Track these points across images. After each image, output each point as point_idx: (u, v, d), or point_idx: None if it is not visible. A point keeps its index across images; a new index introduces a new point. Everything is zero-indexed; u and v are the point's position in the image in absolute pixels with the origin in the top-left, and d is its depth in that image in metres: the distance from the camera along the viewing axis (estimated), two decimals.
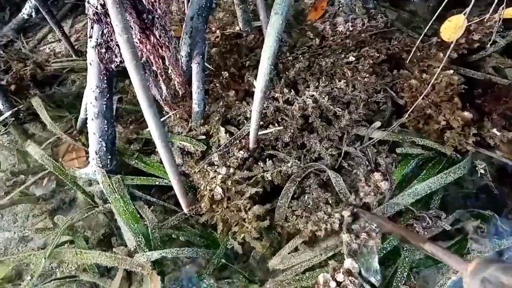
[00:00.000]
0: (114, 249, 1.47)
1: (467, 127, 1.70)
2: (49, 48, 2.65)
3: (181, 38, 1.96)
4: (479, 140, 1.77)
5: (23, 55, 2.56)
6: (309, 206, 1.67)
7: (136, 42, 1.43)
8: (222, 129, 1.83)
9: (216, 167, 1.66)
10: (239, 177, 1.64)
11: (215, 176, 1.61)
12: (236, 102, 1.97)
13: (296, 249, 1.58)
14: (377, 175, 1.64)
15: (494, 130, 1.71)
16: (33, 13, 2.70)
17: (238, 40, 2.28)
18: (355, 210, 1.50)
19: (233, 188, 1.59)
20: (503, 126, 1.73)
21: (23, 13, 2.73)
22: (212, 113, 1.93)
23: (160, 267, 1.45)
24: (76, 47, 2.50)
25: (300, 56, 2.10)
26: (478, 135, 1.75)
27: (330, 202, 1.67)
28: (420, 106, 1.80)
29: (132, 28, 1.38)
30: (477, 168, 1.77)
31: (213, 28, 2.34)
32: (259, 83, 1.58)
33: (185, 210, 1.41)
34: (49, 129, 2.02)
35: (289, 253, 1.56)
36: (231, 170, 1.64)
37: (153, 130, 1.14)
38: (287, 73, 2.02)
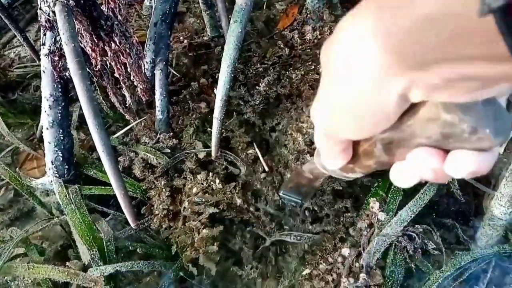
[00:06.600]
0: (67, 263, 1.42)
1: None
2: (14, 53, 2.58)
3: (145, 44, 1.93)
4: None
5: None
6: None
7: (88, 51, 1.39)
8: (199, 143, 1.78)
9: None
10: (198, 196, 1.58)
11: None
12: (208, 116, 1.91)
13: None
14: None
15: None
16: None
17: (207, 51, 2.25)
18: None
19: (190, 208, 1.54)
20: None
21: None
22: (185, 127, 1.87)
23: (115, 281, 1.41)
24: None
25: (271, 67, 2.06)
26: None
27: None
28: None
29: (83, 37, 1.35)
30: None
31: (181, 38, 2.30)
32: (220, 92, 1.56)
33: (132, 225, 1.38)
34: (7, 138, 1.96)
35: None
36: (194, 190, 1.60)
37: (97, 143, 1.11)
38: (257, 87, 1.96)
